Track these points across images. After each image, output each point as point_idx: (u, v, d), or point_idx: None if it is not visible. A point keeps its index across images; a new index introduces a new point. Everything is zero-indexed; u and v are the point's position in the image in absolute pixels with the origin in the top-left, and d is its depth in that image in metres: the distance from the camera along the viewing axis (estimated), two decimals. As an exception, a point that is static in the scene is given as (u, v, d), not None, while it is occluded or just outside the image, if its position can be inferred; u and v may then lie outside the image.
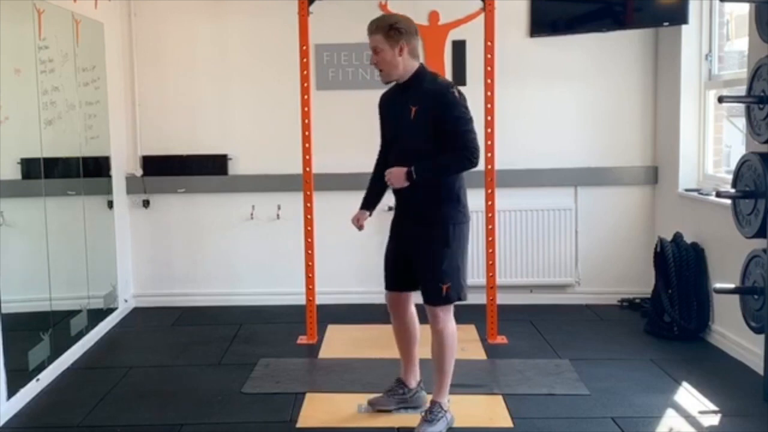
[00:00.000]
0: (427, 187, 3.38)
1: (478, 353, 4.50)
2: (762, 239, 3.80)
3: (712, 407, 3.72)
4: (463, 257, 3.49)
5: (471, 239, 5.29)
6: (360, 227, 3.72)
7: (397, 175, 3.37)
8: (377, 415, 3.66)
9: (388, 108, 3.57)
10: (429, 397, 3.58)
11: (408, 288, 3.60)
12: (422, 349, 3.68)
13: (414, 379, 3.70)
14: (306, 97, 4.72)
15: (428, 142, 3.36)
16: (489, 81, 4.64)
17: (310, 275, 4.82)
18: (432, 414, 3.46)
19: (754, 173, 3.87)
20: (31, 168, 4.10)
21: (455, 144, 3.33)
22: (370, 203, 3.74)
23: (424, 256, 3.44)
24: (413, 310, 3.66)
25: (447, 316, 3.45)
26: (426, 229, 3.43)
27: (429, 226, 3.43)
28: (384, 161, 3.62)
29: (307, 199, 4.77)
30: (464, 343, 4.23)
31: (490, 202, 4.73)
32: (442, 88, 3.37)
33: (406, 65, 3.39)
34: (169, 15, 5.55)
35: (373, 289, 5.46)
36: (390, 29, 3.36)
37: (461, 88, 5.42)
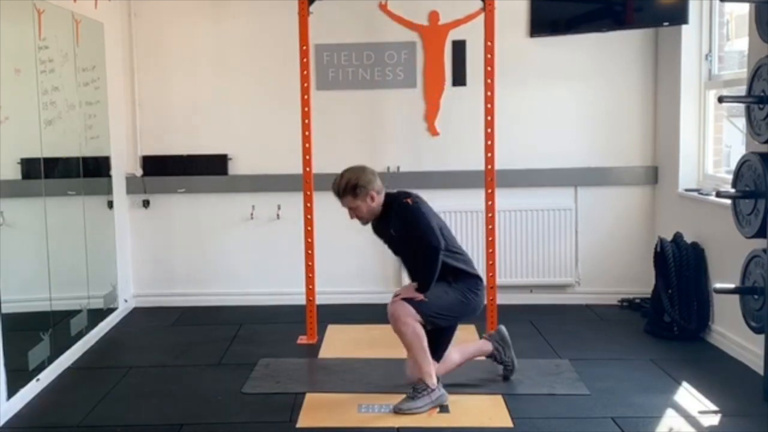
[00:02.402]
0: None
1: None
2: (762, 239, 3.79)
3: (712, 407, 3.72)
4: (453, 307, 3.79)
5: (471, 239, 5.41)
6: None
7: (407, 290, 3.74)
8: (377, 415, 3.66)
9: (380, 234, 3.92)
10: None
11: None
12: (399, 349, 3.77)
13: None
14: (306, 97, 4.72)
15: (412, 251, 3.78)
16: (489, 81, 4.64)
17: (310, 275, 4.82)
18: (415, 391, 3.67)
19: (754, 173, 3.87)
20: (31, 168, 4.10)
21: (415, 244, 3.71)
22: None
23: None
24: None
25: (411, 320, 3.68)
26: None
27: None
28: None
29: (307, 199, 4.77)
30: (464, 343, 4.22)
31: (490, 202, 4.73)
32: (400, 208, 3.73)
33: (378, 204, 3.76)
34: (169, 15, 5.55)
35: (373, 289, 5.49)
36: (355, 189, 3.70)
37: (461, 88, 5.54)
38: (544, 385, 3.99)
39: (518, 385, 3.99)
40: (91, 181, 4.92)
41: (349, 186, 3.71)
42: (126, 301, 5.54)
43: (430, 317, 3.73)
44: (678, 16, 4.95)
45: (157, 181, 5.62)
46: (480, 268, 4.89)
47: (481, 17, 4.70)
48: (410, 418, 3.60)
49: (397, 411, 3.64)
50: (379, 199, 3.76)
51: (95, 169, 5.03)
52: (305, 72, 4.71)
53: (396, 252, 3.97)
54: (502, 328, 4.13)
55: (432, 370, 3.71)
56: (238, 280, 5.70)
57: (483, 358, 4.07)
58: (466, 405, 3.75)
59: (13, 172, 3.99)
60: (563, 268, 5.62)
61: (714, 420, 3.60)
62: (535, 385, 4.00)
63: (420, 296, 3.69)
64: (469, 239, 5.49)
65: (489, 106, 4.65)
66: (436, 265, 3.68)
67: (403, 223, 3.72)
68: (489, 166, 4.70)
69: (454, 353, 3.96)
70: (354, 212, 3.77)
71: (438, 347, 3.83)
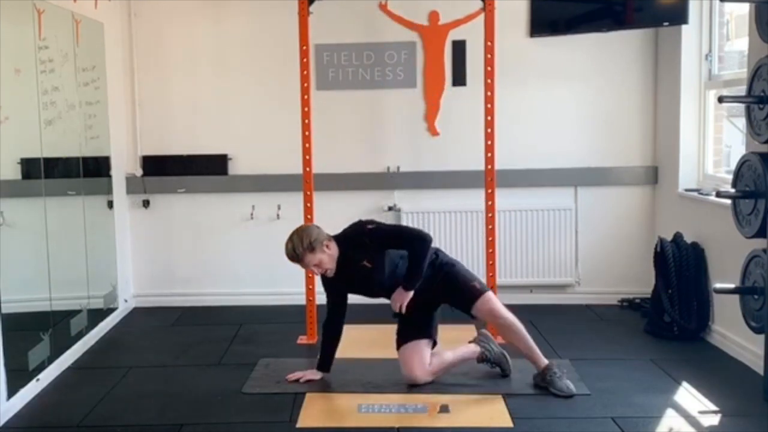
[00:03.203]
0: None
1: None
2: (762, 239, 3.79)
3: (712, 407, 3.72)
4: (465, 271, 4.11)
5: (471, 239, 5.41)
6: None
7: (401, 297, 3.91)
8: (377, 415, 3.66)
9: (344, 280, 3.98)
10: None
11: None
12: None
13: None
14: (306, 97, 4.72)
15: (390, 270, 3.94)
16: (489, 81, 4.64)
17: (310, 275, 4.82)
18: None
19: (754, 173, 3.87)
20: (31, 168, 4.10)
21: (405, 245, 3.90)
22: (327, 364, 4.12)
23: (444, 286, 4.01)
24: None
25: (496, 304, 3.99)
26: (436, 282, 4.02)
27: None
28: (337, 320, 4.09)
29: (307, 199, 4.77)
30: (464, 343, 4.23)
31: (490, 202, 4.73)
32: (362, 237, 3.91)
33: (335, 250, 3.89)
34: (169, 15, 5.55)
35: (373, 289, 5.47)
36: (311, 244, 3.82)
37: (461, 88, 5.54)
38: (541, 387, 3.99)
39: (518, 385, 3.99)
40: (91, 181, 4.92)
41: (303, 245, 3.83)
42: (126, 301, 5.54)
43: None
44: (678, 16, 4.95)
45: (157, 181, 5.62)
46: (480, 268, 4.91)
47: (481, 17, 4.70)
48: (410, 417, 3.60)
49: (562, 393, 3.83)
50: (333, 246, 3.89)
51: (95, 169, 5.03)
52: (305, 72, 4.71)
53: (366, 290, 4.06)
54: (482, 329, 4.33)
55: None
56: (238, 280, 5.70)
57: (477, 363, 4.11)
58: (466, 405, 3.75)
59: (13, 172, 3.99)
60: (563, 268, 5.62)
61: (714, 420, 3.60)
62: (535, 385, 3.99)
63: (406, 296, 3.90)
64: (469, 239, 5.50)
65: (489, 106, 4.65)
66: (426, 257, 3.89)
67: (379, 241, 3.90)
68: (489, 166, 4.70)
69: (448, 352, 4.06)
70: (318, 267, 3.89)
71: (432, 328, 4.08)
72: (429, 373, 3.96)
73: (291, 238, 3.88)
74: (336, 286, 4.04)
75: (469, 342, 4.18)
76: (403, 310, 3.92)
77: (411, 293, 3.90)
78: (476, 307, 3.97)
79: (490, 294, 4.05)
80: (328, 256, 3.87)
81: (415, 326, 4.02)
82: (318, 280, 4.82)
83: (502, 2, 4.81)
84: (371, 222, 3.99)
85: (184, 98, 5.59)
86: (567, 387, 3.85)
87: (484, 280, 4.82)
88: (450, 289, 4.01)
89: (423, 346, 4.00)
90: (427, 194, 5.60)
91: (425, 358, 3.97)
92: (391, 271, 3.93)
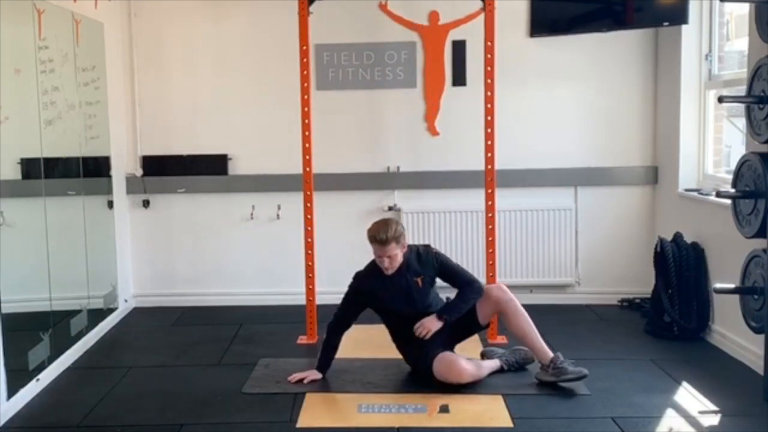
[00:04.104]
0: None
1: (479, 353, 4.50)
2: (762, 239, 3.80)
3: (712, 407, 3.72)
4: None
5: (471, 239, 5.41)
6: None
7: (432, 324, 3.99)
8: (377, 415, 3.66)
9: (386, 291, 4.08)
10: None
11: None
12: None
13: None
14: (306, 97, 4.72)
15: (431, 299, 4.13)
16: (489, 81, 4.64)
17: (310, 275, 4.82)
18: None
19: (754, 173, 3.87)
20: (31, 168, 4.10)
21: (463, 283, 4.10)
22: (326, 367, 4.15)
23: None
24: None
25: (502, 288, 4.17)
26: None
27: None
28: (343, 331, 4.17)
29: (307, 199, 4.77)
30: (464, 343, 4.23)
31: (490, 202, 4.73)
32: (430, 257, 4.10)
33: (403, 257, 4.06)
34: (169, 15, 5.55)
35: (373, 289, 5.47)
36: (401, 237, 3.99)
37: (461, 88, 5.55)
38: (544, 385, 3.98)
39: (518, 385, 3.99)
40: (91, 181, 4.92)
41: (397, 234, 3.97)
42: (126, 301, 5.54)
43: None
44: (678, 16, 4.95)
45: (157, 181, 5.62)
46: (480, 268, 4.92)
47: (481, 17, 4.70)
48: (411, 417, 3.60)
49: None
50: (406, 251, 4.08)
51: (95, 169, 5.03)
52: (305, 72, 4.71)
53: (399, 307, 4.09)
54: (483, 349, 4.42)
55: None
56: (238, 280, 5.70)
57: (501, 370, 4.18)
58: (466, 405, 3.75)
59: (13, 172, 3.99)
60: (563, 268, 5.62)
61: (714, 420, 3.60)
62: (535, 385, 4.00)
63: (439, 326, 3.98)
64: (469, 239, 5.50)
65: (489, 106, 4.65)
66: (472, 302, 4.07)
67: (441, 268, 4.09)
68: (489, 166, 4.70)
69: (488, 362, 4.20)
70: (392, 260, 4.00)
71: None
72: (472, 371, 3.97)
73: (387, 222, 4.02)
74: (362, 302, 4.13)
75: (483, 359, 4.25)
76: (428, 336, 3.97)
77: (441, 324, 3.98)
78: (481, 304, 4.09)
79: (488, 285, 4.27)
80: (402, 256, 4.03)
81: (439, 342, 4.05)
82: (318, 281, 4.85)
83: (502, 2, 4.81)
84: (434, 249, 4.18)
85: (184, 98, 5.59)
86: (579, 370, 3.92)
87: (484, 280, 4.84)
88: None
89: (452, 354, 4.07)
90: (427, 194, 5.60)
91: (462, 358, 4.02)
92: (430, 300, 4.10)
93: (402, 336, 4.14)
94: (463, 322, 4.09)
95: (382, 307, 4.15)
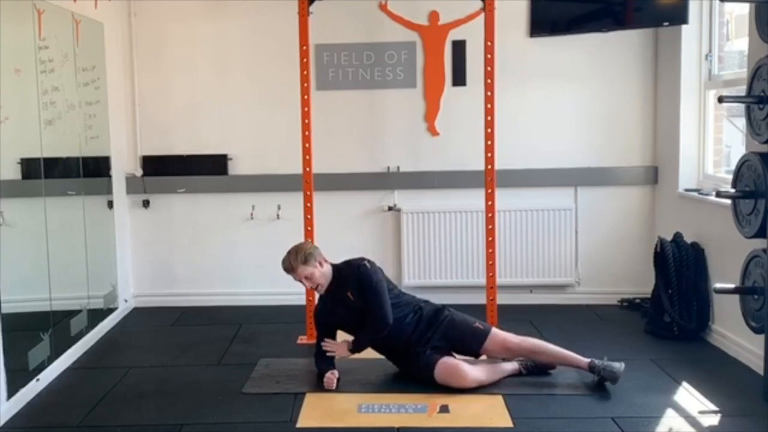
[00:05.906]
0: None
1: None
2: (762, 239, 3.80)
3: (712, 407, 3.72)
4: None
5: (471, 239, 5.41)
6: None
7: (340, 350, 4.05)
8: (377, 414, 3.66)
9: (333, 311, 4.09)
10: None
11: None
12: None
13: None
14: (306, 97, 4.72)
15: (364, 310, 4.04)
16: (489, 81, 4.64)
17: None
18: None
19: (754, 173, 3.87)
20: (31, 168, 4.10)
21: (373, 310, 3.98)
22: (330, 365, 4.10)
23: (444, 335, 4.06)
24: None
25: (506, 335, 4.11)
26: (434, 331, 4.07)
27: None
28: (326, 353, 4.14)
29: (307, 199, 4.77)
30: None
31: (490, 202, 4.73)
32: (360, 269, 4.04)
33: (328, 270, 4.06)
34: (169, 15, 5.55)
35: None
36: (305, 257, 3.99)
37: (461, 88, 5.54)
38: (544, 385, 3.99)
39: (518, 385, 3.99)
40: (91, 181, 4.92)
41: (299, 256, 3.99)
42: (126, 301, 5.54)
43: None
44: (678, 16, 4.95)
45: (157, 181, 5.62)
46: (480, 268, 4.92)
47: (481, 17, 4.70)
48: (410, 417, 3.60)
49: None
50: (327, 267, 4.07)
51: (95, 169, 5.03)
52: (305, 72, 4.71)
53: (344, 323, 4.11)
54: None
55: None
56: (238, 280, 5.70)
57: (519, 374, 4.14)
58: (466, 405, 3.75)
59: (13, 172, 3.99)
60: (563, 268, 5.61)
61: (714, 420, 3.60)
62: (535, 385, 4.00)
63: (347, 355, 4.02)
64: (469, 239, 5.50)
65: (489, 106, 4.65)
66: (373, 340, 4.04)
67: (361, 284, 4.00)
68: (489, 166, 4.70)
69: (506, 364, 4.14)
70: (309, 281, 4.03)
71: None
72: (476, 376, 3.93)
73: (289, 252, 4.05)
74: (326, 318, 4.11)
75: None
76: (337, 357, 4.06)
77: (347, 354, 4.03)
78: (486, 347, 4.04)
79: (495, 329, 4.12)
80: (320, 273, 4.02)
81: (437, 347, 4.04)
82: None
83: (502, 2, 4.81)
84: (370, 262, 4.12)
85: (184, 98, 5.59)
86: (619, 365, 3.92)
87: (484, 280, 4.84)
88: (451, 335, 4.04)
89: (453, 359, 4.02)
90: (427, 194, 5.60)
91: (465, 363, 3.98)
92: (361, 314, 4.03)
93: (384, 350, 4.15)
94: (461, 345, 4.08)
95: (335, 326, 4.14)
